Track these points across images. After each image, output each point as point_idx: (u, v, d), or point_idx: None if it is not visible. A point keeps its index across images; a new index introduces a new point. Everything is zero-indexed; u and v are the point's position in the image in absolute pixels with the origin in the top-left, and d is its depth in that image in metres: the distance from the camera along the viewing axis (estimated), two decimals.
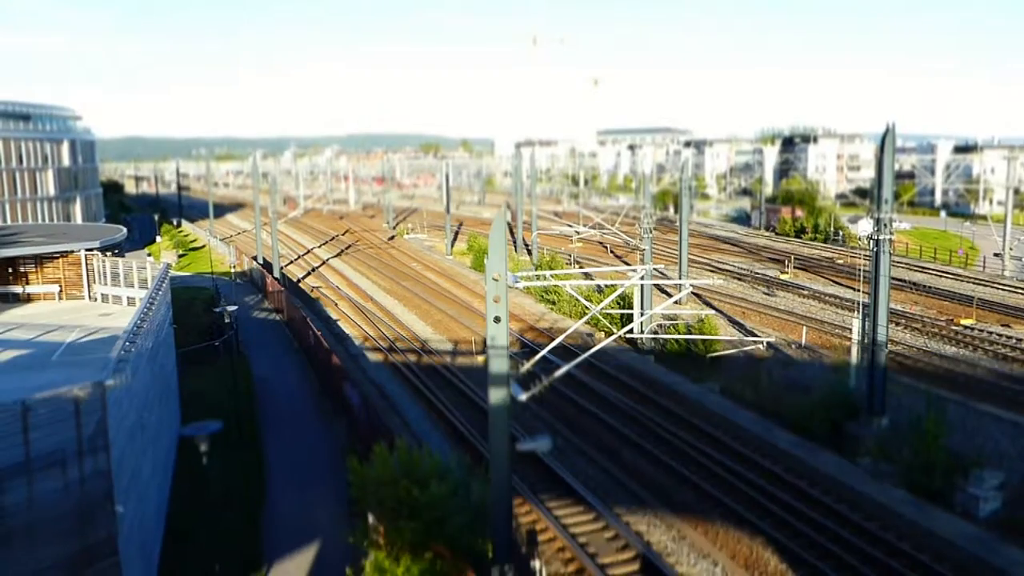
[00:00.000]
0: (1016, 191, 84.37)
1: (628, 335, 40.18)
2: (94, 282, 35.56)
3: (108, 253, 36.15)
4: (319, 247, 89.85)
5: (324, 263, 78.72)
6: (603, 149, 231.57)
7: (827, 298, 52.60)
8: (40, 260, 35.58)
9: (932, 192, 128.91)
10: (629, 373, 37.34)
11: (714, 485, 25.81)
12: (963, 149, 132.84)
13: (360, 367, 41.20)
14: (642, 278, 35.17)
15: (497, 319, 16.36)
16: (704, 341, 39.26)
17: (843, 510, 23.74)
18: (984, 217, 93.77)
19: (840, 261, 67.30)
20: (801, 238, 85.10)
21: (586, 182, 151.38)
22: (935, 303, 50.91)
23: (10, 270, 35.33)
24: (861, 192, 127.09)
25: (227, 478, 25.68)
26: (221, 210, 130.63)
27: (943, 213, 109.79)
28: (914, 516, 23.05)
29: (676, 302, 48.96)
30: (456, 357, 42.53)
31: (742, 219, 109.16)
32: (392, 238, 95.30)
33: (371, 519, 20.14)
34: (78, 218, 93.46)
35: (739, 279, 60.74)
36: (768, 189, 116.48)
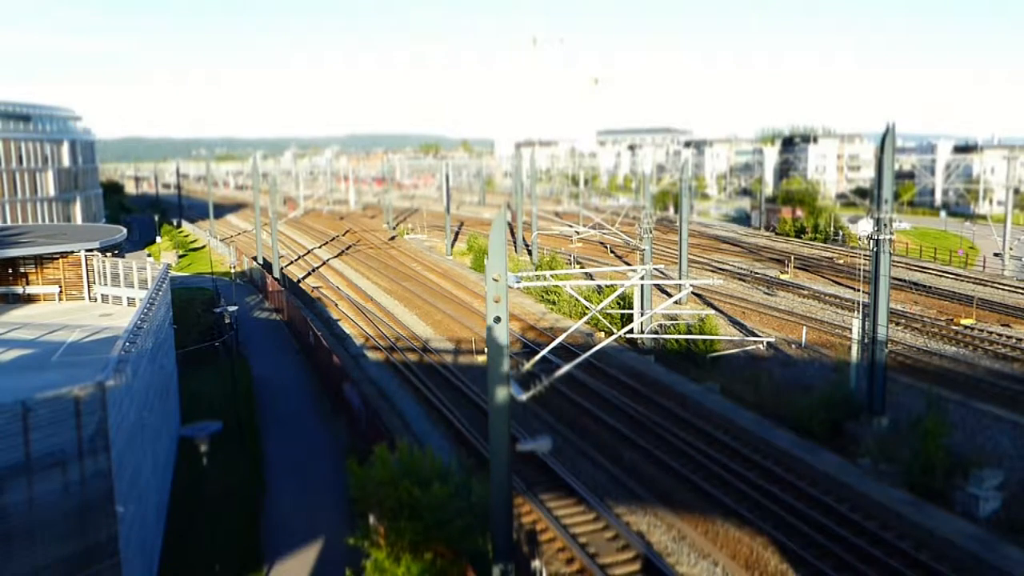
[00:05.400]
0: (1016, 191, 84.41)
1: (628, 335, 40.18)
2: (94, 283, 35.56)
3: (108, 254, 36.15)
4: (319, 247, 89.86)
5: (324, 263, 78.73)
6: (603, 149, 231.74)
7: (827, 298, 52.61)
8: (40, 260, 35.58)
9: (932, 192, 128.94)
10: (629, 373, 37.34)
11: (714, 485, 25.82)
12: (963, 149, 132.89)
13: (360, 367, 41.21)
14: (642, 278, 35.18)
15: (497, 319, 16.36)
16: (704, 341, 39.25)
17: (843, 510, 23.74)
18: (984, 217, 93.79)
19: (840, 261, 67.31)
20: (801, 238, 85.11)
21: (586, 182, 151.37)
22: (935, 303, 50.91)
23: (10, 270, 35.34)
24: (861, 192, 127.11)
25: (227, 478, 25.69)
26: (221, 210, 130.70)
27: (943, 213, 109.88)
28: (914, 516, 23.05)
29: (676, 302, 48.97)
30: (456, 357, 42.54)
31: (742, 219, 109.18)
32: (392, 238, 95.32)
33: (371, 519, 20.16)
34: (78, 219, 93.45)
35: (739, 279, 60.73)
36: (768, 189, 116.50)
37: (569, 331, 22.80)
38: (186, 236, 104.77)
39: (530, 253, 73.85)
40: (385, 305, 56.84)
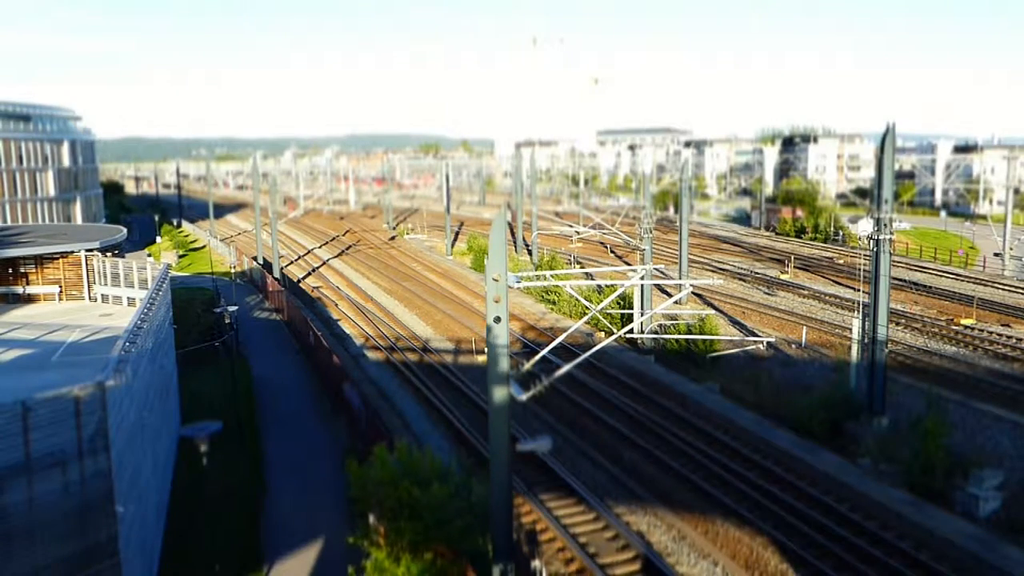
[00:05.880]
0: (1016, 191, 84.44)
1: (628, 335, 40.18)
2: (94, 283, 35.56)
3: (108, 254, 36.16)
4: (319, 247, 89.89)
5: (324, 263, 78.74)
6: (603, 149, 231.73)
7: (827, 298, 52.61)
8: (40, 260, 35.59)
9: (932, 192, 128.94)
10: (629, 373, 37.35)
11: (714, 485, 25.82)
12: (963, 149, 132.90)
13: (360, 367, 41.21)
14: (642, 278, 35.18)
15: (497, 319, 16.36)
16: (704, 341, 39.25)
17: (843, 510, 23.74)
18: (984, 217, 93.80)
19: (840, 261, 67.31)
20: (801, 238, 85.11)
21: (586, 182, 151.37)
22: (935, 303, 50.92)
23: (11, 270, 35.35)
24: (861, 192, 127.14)
25: (227, 478, 25.70)
26: (221, 210, 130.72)
27: (943, 213, 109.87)
28: (914, 516, 23.06)
29: (676, 302, 48.98)
30: (456, 357, 42.54)
31: (742, 219, 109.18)
32: (392, 238, 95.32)
33: (371, 519, 20.16)
34: (78, 219, 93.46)
35: (739, 279, 60.74)
36: (768, 189, 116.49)
37: (569, 331, 22.80)
38: (186, 236, 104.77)
39: (530, 253, 73.86)
40: (385, 305, 56.85)
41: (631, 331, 38.90)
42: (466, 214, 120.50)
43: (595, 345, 22.59)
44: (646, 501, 25.06)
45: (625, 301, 44.90)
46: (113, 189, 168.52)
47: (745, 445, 28.80)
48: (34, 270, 35.63)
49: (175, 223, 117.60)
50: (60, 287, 35.76)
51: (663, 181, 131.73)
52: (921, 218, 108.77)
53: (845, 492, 24.93)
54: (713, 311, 49.08)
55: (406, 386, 37.54)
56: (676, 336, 40.00)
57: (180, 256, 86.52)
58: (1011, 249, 65.50)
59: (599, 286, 51.21)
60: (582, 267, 64.38)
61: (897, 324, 43.91)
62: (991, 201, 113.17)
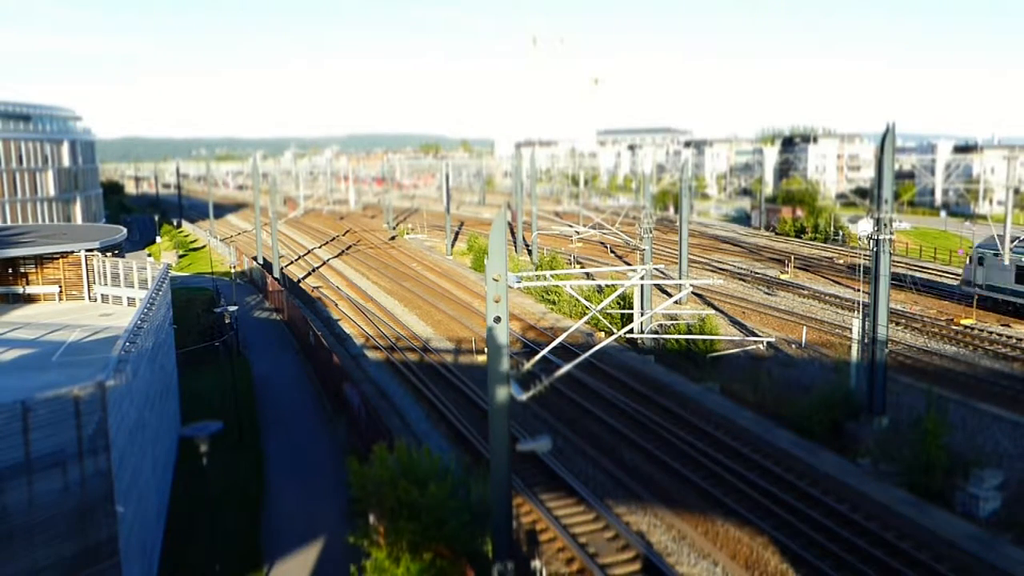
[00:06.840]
0: (1016, 191, 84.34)
1: (628, 335, 40.17)
2: (94, 282, 35.55)
3: (108, 254, 36.15)
4: (319, 247, 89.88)
5: (324, 263, 78.74)
6: (603, 149, 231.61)
7: (827, 298, 52.61)
8: (40, 260, 35.58)
9: (932, 192, 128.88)
10: (629, 373, 37.35)
11: (714, 485, 25.82)
12: (963, 149, 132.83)
13: (360, 367, 41.21)
14: (642, 278, 35.17)
15: (497, 319, 16.36)
16: (704, 341, 39.24)
17: (843, 510, 23.74)
18: (984, 217, 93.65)
19: (840, 261, 67.30)
20: (801, 238, 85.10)
21: (586, 182, 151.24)
22: (935, 303, 50.91)
23: (10, 270, 35.34)
24: (861, 192, 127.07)
25: (227, 478, 25.70)
26: (221, 210, 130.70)
27: (943, 213, 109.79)
28: (914, 516, 23.06)
29: (676, 302, 48.97)
30: (456, 357, 42.54)
31: (742, 219, 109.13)
32: (392, 238, 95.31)
33: (371, 519, 20.17)
34: (78, 219, 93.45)
35: (739, 279, 60.73)
36: (768, 189, 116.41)
37: (569, 331, 22.80)
38: (186, 236, 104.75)
39: (530, 253, 73.84)
40: (385, 305, 56.84)
41: (631, 331, 38.88)
42: (466, 214, 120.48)
43: (595, 345, 22.59)
44: (646, 501, 25.06)
45: (625, 301, 44.90)
46: (113, 189, 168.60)
47: (745, 445, 28.79)
48: (34, 270, 35.62)
49: (175, 223, 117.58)
50: (60, 287, 35.75)
51: (663, 181, 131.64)
52: (921, 218, 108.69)
53: (845, 492, 24.93)
54: (713, 311, 49.07)
55: (406, 386, 37.54)
56: (676, 336, 39.98)
57: (180, 256, 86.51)
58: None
59: (599, 286, 51.20)
60: (582, 267, 64.38)
61: (897, 324, 43.92)
62: (991, 201, 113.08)
